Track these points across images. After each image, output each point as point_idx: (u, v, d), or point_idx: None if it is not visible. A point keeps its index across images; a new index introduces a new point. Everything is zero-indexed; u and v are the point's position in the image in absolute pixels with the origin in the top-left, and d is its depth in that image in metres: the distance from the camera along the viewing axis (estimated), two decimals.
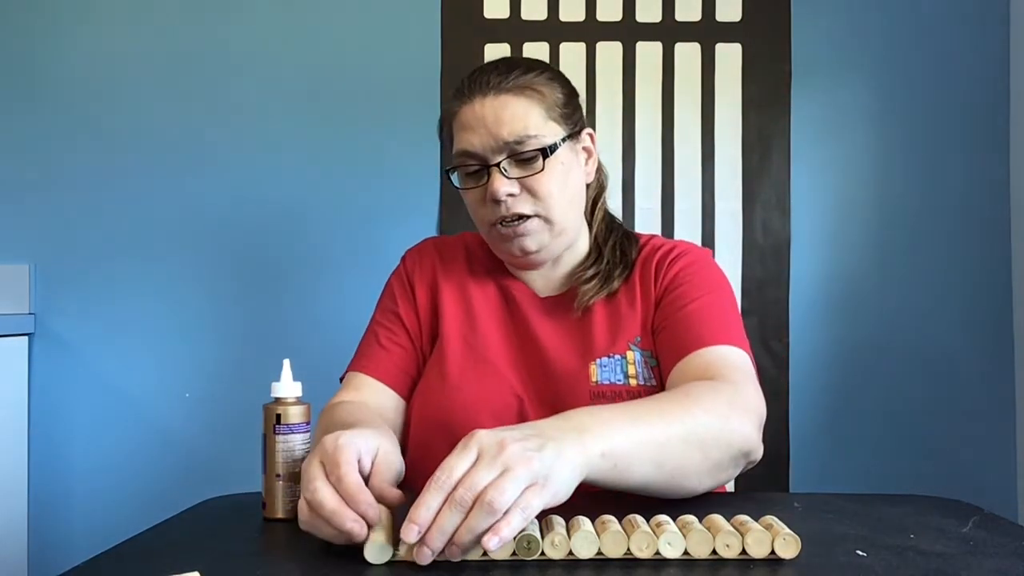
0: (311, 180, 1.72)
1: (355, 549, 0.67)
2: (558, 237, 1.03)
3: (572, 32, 1.72)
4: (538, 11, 1.72)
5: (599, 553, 0.65)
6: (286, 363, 0.85)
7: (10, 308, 1.68)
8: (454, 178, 1.04)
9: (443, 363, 1.03)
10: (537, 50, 1.71)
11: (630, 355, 1.00)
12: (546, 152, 0.98)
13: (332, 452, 0.70)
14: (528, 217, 0.99)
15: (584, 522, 0.67)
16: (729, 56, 1.71)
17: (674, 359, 0.96)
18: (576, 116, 1.05)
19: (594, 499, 0.72)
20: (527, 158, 0.98)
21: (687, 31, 1.72)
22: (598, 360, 1.00)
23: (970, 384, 1.70)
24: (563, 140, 1.00)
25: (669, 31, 1.72)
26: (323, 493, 0.67)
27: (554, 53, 1.72)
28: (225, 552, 0.71)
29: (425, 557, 0.62)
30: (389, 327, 1.09)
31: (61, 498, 1.69)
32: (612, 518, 0.68)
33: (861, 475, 1.69)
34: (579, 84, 1.68)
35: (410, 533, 0.62)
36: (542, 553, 0.65)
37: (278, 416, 0.81)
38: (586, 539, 0.65)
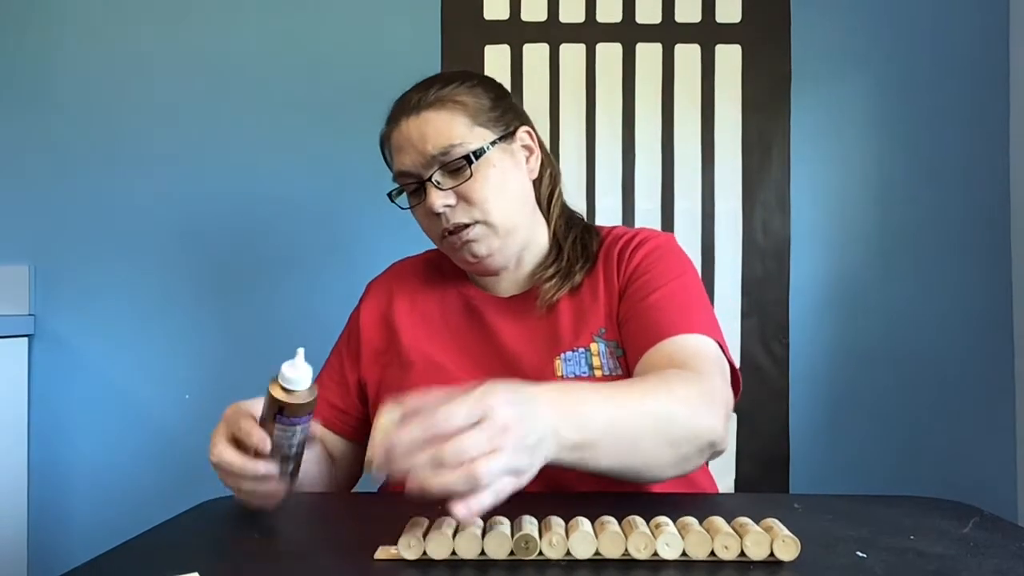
0: (311, 180, 1.72)
1: (357, 548, 0.67)
2: (506, 239, 1.03)
3: (572, 33, 1.72)
4: (538, 12, 1.72)
5: (597, 553, 0.65)
6: (300, 352, 0.79)
7: (10, 309, 1.68)
8: (400, 200, 1.07)
9: (404, 382, 1.02)
10: (537, 51, 1.71)
11: (594, 347, 1.00)
12: (470, 159, 0.99)
13: (231, 413, 0.82)
14: (469, 225, 1.01)
15: (583, 522, 0.67)
16: (729, 57, 1.71)
17: (640, 350, 0.96)
18: (507, 117, 1.05)
19: (594, 499, 0.72)
20: (456, 168, 0.99)
21: (687, 32, 1.72)
22: (563, 354, 1.00)
23: (970, 384, 1.70)
24: (493, 144, 1.01)
25: (669, 32, 1.72)
26: (227, 454, 0.78)
27: (554, 54, 1.72)
28: (225, 552, 0.71)
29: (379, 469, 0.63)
30: (332, 363, 1.13)
31: (61, 498, 1.69)
32: (611, 518, 0.68)
33: (861, 476, 1.68)
34: (579, 85, 1.71)
35: (377, 453, 0.63)
36: (540, 553, 0.65)
37: (281, 407, 0.78)
38: (584, 539, 0.65)
